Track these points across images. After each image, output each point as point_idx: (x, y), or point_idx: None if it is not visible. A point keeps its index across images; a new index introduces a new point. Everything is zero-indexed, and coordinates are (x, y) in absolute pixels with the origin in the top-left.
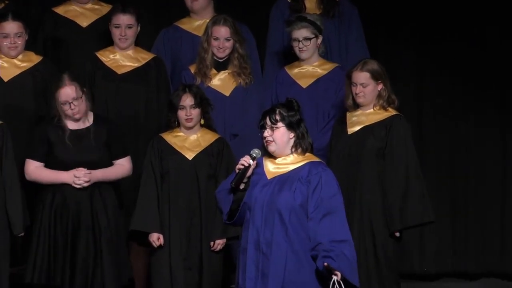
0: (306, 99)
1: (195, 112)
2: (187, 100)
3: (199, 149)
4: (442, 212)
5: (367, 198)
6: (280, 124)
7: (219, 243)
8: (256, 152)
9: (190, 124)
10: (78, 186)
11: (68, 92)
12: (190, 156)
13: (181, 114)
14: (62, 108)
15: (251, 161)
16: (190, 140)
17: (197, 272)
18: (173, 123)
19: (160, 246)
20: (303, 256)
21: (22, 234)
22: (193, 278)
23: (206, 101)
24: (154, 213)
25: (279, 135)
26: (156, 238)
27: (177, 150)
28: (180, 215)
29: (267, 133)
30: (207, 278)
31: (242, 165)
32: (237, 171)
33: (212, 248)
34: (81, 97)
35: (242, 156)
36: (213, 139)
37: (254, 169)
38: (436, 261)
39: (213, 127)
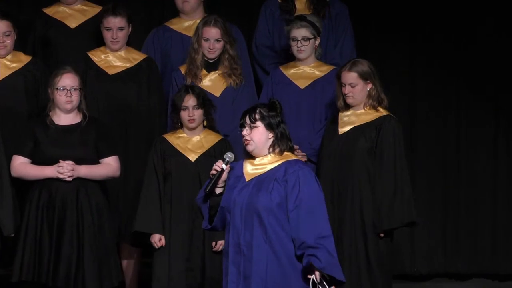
0: (304, 100)
1: (198, 113)
2: (190, 101)
3: (202, 151)
4: (434, 212)
5: (358, 198)
6: (259, 123)
7: (221, 244)
8: (229, 156)
9: (193, 125)
10: (61, 176)
11: (69, 79)
12: (193, 158)
13: (184, 114)
14: (58, 94)
15: (224, 166)
16: (193, 142)
17: (199, 273)
18: (176, 124)
19: (161, 247)
20: (284, 256)
21: (13, 235)
22: (195, 279)
23: (209, 102)
24: (156, 214)
25: (258, 134)
26: (157, 239)
27: (180, 152)
28: (182, 216)
29: (245, 131)
30: (209, 279)
31: (216, 170)
32: (211, 176)
33: (214, 249)
34: (79, 90)
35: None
36: (216, 140)
37: (230, 172)
38: (427, 261)
39: (215, 128)
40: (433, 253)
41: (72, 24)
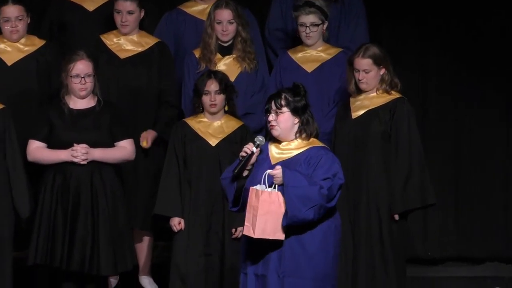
0: (312, 84)
1: (220, 98)
2: (212, 86)
3: (222, 136)
4: (446, 195)
5: (374, 182)
6: (285, 109)
7: (240, 230)
8: (260, 139)
9: (214, 110)
10: (75, 160)
11: (83, 66)
12: (213, 142)
13: (206, 99)
14: (72, 82)
15: (254, 149)
16: (214, 126)
17: (218, 258)
18: (198, 108)
19: (181, 231)
20: (297, 243)
21: (27, 216)
22: (213, 264)
23: (231, 87)
24: (175, 198)
25: (283, 120)
26: (177, 223)
27: (200, 136)
28: (201, 200)
29: (271, 117)
30: (228, 265)
31: (245, 152)
32: (240, 158)
33: (233, 236)
34: (93, 76)
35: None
36: (237, 126)
37: (257, 155)
38: (440, 245)
39: (236, 114)
40: (446, 236)
41: (90, 7)
